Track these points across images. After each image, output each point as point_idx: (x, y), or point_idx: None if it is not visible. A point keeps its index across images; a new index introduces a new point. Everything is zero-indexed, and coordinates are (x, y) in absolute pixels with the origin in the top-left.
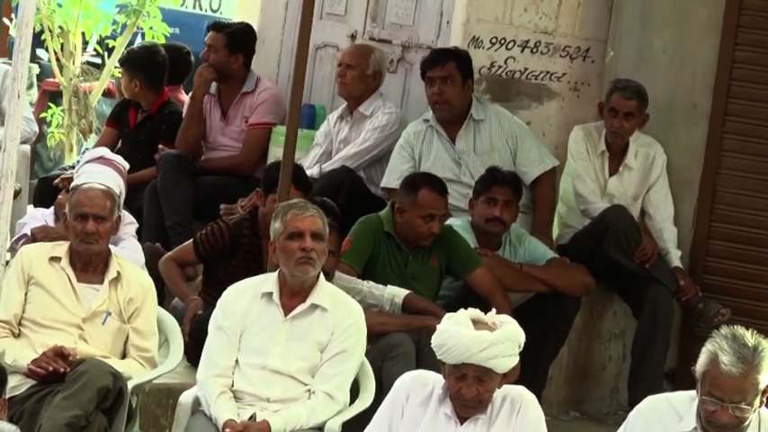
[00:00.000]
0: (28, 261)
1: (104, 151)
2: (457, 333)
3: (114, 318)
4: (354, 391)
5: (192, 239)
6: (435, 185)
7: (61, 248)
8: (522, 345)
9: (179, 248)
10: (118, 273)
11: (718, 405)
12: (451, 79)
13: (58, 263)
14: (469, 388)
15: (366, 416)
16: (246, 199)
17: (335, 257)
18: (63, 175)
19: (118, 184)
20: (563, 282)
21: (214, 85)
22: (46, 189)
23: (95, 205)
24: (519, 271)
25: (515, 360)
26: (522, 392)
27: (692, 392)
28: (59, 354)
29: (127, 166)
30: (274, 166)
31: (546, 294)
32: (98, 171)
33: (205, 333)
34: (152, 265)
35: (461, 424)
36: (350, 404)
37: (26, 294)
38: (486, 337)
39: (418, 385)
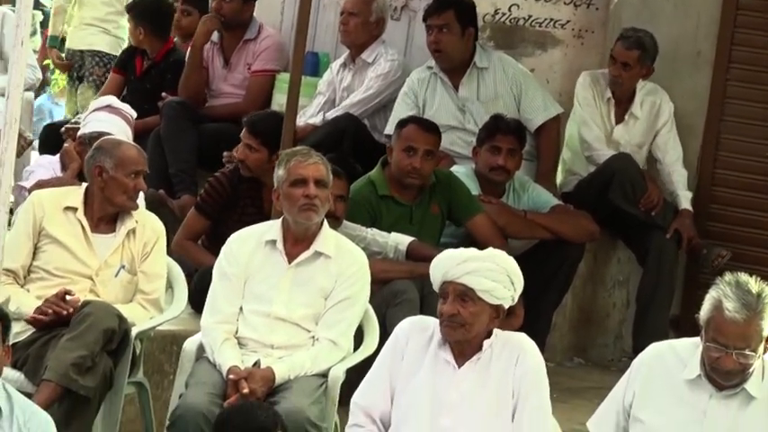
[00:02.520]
0: (40, 210)
1: (112, 100)
2: (439, 256)
3: (127, 270)
4: (358, 339)
5: (191, 210)
6: (421, 122)
7: (75, 197)
8: (516, 278)
9: (184, 224)
10: (136, 222)
11: (723, 351)
12: (448, 28)
13: (74, 213)
14: (450, 305)
15: (370, 363)
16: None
17: (345, 202)
18: (69, 124)
19: (125, 133)
20: (567, 229)
21: (215, 32)
22: (52, 136)
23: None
24: (523, 218)
25: (506, 292)
26: (522, 339)
27: (697, 339)
28: (63, 298)
29: (134, 114)
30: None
31: (550, 241)
32: (105, 120)
33: (209, 281)
34: (153, 211)
35: (459, 368)
36: (354, 351)
37: (36, 244)
38: (463, 252)
39: (418, 330)
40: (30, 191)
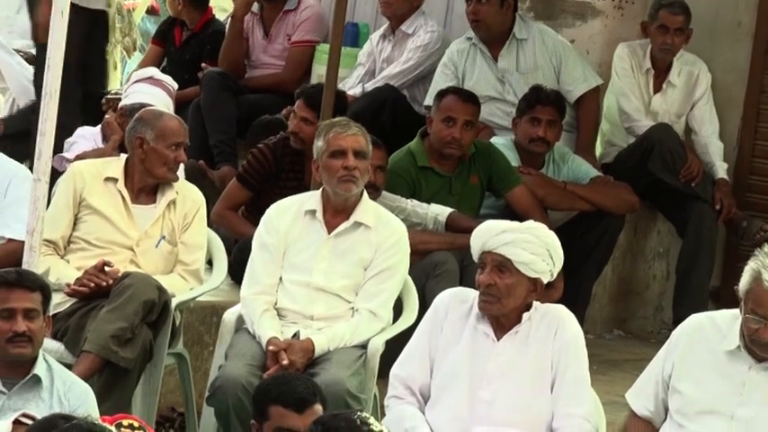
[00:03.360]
0: (80, 181)
1: (153, 71)
2: (480, 226)
3: (167, 241)
4: (397, 310)
5: (232, 180)
6: (461, 92)
7: (116, 167)
8: (555, 252)
9: (225, 194)
10: (176, 193)
11: (762, 323)
12: None
13: (114, 183)
14: (487, 275)
15: (409, 334)
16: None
17: (384, 173)
18: (109, 95)
19: (167, 105)
20: (607, 200)
21: (255, 3)
22: (91, 105)
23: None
24: (562, 189)
25: (544, 266)
26: (560, 311)
27: (736, 311)
28: (102, 269)
29: (175, 86)
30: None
31: (589, 213)
32: (147, 91)
33: (249, 252)
34: (194, 182)
35: (498, 340)
36: (393, 322)
37: (77, 215)
38: (501, 223)
39: (457, 302)
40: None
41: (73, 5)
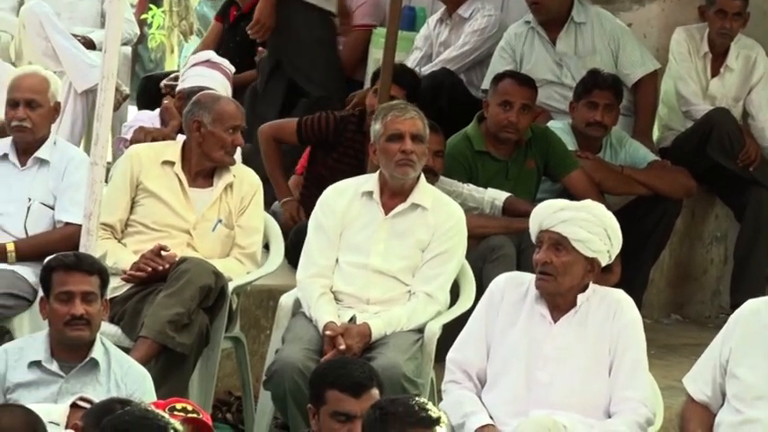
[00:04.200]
0: (138, 164)
1: (211, 54)
2: (538, 206)
3: (224, 224)
4: (454, 294)
5: (297, 119)
6: (518, 76)
7: (173, 151)
8: (613, 233)
9: (281, 122)
10: (233, 176)
11: None
12: None
13: (171, 167)
14: (543, 253)
15: (466, 318)
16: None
17: (442, 158)
18: (167, 80)
19: (225, 88)
20: (664, 184)
21: None
22: (150, 88)
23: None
24: (620, 174)
25: (601, 245)
26: (619, 295)
27: None
28: (158, 253)
29: (232, 69)
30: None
31: (647, 197)
32: (205, 74)
33: (305, 236)
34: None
35: (555, 323)
36: (450, 306)
37: (134, 198)
38: (559, 201)
39: (513, 285)
40: (131, 140)
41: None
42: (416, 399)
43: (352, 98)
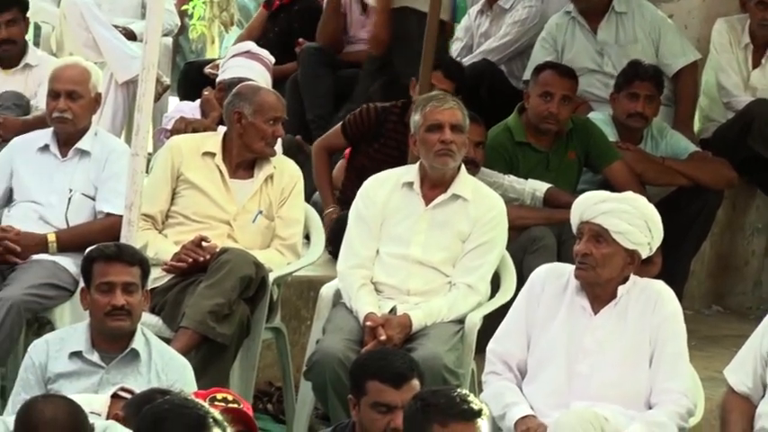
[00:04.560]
0: (178, 155)
1: (251, 45)
2: (579, 197)
3: (265, 216)
4: (495, 285)
5: (339, 125)
6: (558, 67)
7: (214, 142)
8: (654, 225)
9: (329, 133)
10: (274, 168)
11: None
12: None
13: (212, 158)
14: (583, 244)
15: (506, 310)
16: None
17: (483, 149)
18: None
19: (265, 78)
20: (705, 176)
21: None
22: (191, 75)
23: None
24: (661, 165)
25: (642, 237)
26: (659, 287)
27: None
28: (199, 244)
29: (272, 59)
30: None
31: (688, 189)
32: (245, 65)
33: (345, 226)
34: (291, 156)
35: (596, 314)
36: (491, 297)
37: (175, 189)
38: (600, 193)
39: (553, 277)
40: (172, 131)
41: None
42: (458, 390)
43: None
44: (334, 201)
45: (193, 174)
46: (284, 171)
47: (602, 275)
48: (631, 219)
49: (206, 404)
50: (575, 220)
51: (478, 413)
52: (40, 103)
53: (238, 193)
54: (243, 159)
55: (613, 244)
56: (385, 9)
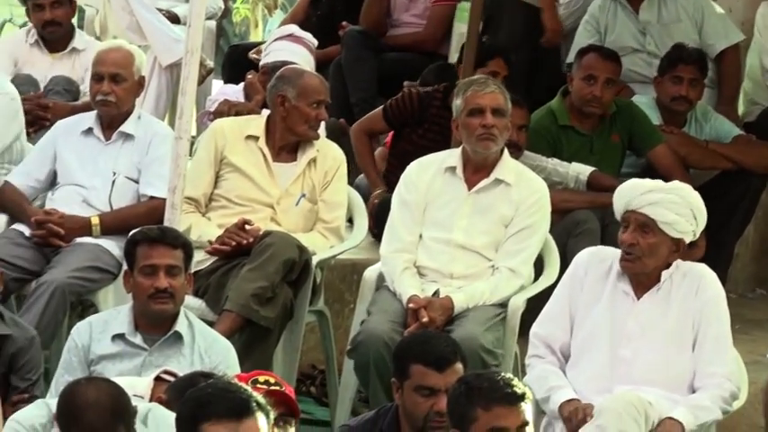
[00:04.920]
0: (222, 138)
1: (294, 28)
2: (624, 184)
3: (308, 199)
4: (538, 268)
5: (380, 108)
6: (602, 50)
7: (257, 126)
8: (699, 213)
9: (369, 116)
10: (317, 151)
11: None
12: None
13: (255, 141)
14: (629, 234)
15: (549, 293)
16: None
17: (526, 132)
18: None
19: (308, 62)
20: (749, 159)
21: None
22: (236, 59)
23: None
24: (704, 148)
25: (687, 226)
26: (702, 270)
27: None
28: (242, 227)
29: (315, 42)
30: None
31: (732, 172)
32: (288, 49)
33: (388, 211)
34: (334, 140)
35: (639, 299)
36: (534, 281)
37: (218, 173)
38: (647, 182)
39: (597, 261)
40: (215, 113)
41: None
42: (502, 374)
43: None
44: (381, 182)
45: (237, 157)
46: (327, 154)
47: (648, 265)
48: (678, 209)
49: (249, 388)
50: (619, 208)
51: (522, 397)
52: (88, 88)
53: (281, 177)
54: (286, 143)
55: (660, 234)
56: (551, 5)
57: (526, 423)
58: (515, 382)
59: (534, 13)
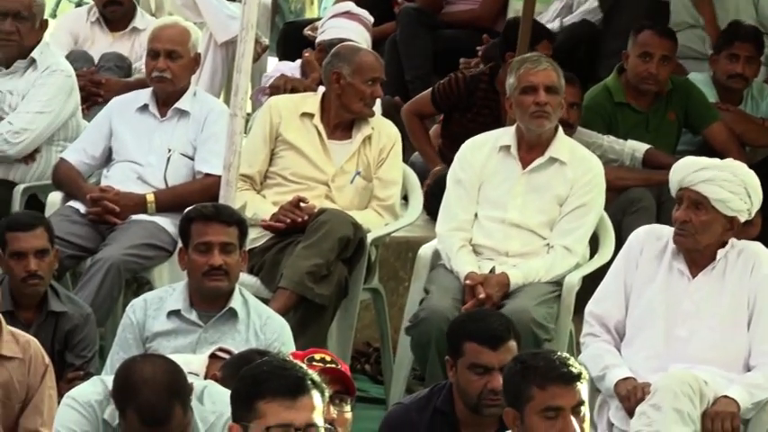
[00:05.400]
0: (277, 115)
1: (350, 5)
2: (679, 161)
3: (362, 176)
4: (593, 246)
5: (430, 89)
6: (657, 27)
7: (313, 103)
8: (754, 191)
9: (417, 98)
10: (372, 129)
11: None
12: None
13: (310, 119)
14: (683, 212)
15: (605, 272)
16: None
17: (578, 109)
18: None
19: (365, 39)
20: None
21: None
22: (291, 35)
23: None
24: (761, 126)
25: (741, 205)
26: (757, 248)
27: None
28: (297, 205)
29: (371, 20)
30: (511, 25)
31: None
32: (345, 26)
33: (444, 187)
34: (389, 118)
35: (694, 278)
36: (589, 259)
37: (273, 150)
38: (700, 160)
39: (652, 239)
40: (271, 87)
41: None
42: (558, 353)
43: None
44: (438, 159)
45: (292, 134)
46: (382, 132)
47: (701, 242)
48: (731, 186)
49: (304, 365)
50: (674, 185)
51: (578, 376)
52: (144, 66)
53: (336, 154)
54: (341, 120)
55: (713, 211)
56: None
57: (582, 402)
58: (571, 361)
59: None
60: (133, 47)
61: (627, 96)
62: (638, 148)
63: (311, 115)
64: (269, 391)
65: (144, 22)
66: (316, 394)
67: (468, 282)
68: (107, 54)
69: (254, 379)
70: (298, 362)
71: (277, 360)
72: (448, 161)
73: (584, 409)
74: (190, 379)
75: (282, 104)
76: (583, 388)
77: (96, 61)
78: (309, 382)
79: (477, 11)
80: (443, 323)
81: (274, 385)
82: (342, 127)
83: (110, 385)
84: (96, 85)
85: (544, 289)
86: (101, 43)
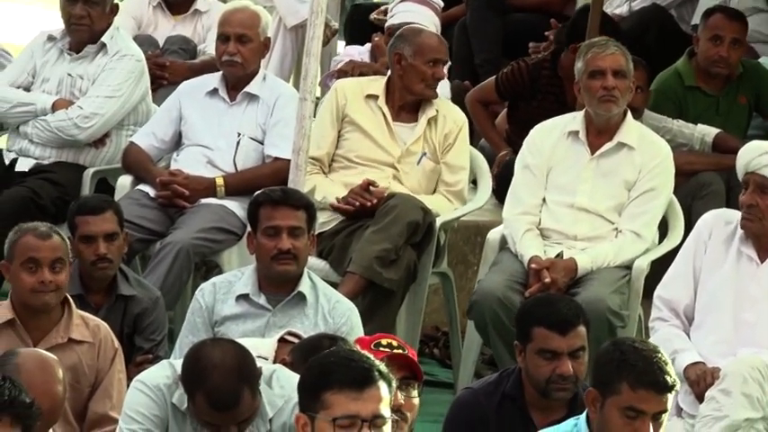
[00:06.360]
0: (343, 97)
1: None
2: (746, 146)
3: (429, 158)
4: (663, 231)
5: (494, 77)
6: (728, 10)
7: (378, 85)
8: None
9: (481, 86)
10: (436, 111)
11: None
12: None
13: (375, 101)
14: (748, 195)
15: (674, 256)
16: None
17: (645, 93)
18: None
19: (434, 23)
20: None
21: None
22: (357, 18)
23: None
24: None
25: None
26: None
27: None
28: (367, 188)
29: (441, 4)
30: (582, 11)
31: None
32: (414, 10)
33: (512, 172)
34: (459, 102)
35: (762, 263)
36: (658, 243)
37: (340, 132)
38: (766, 143)
39: (721, 223)
40: (339, 71)
41: None
42: (659, 356)
43: None
44: (504, 144)
45: (358, 116)
46: (447, 116)
47: (765, 224)
48: None
49: (372, 357)
50: (740, 170)
51: (671, 388)
52: (208, 49)
53: (402, 136)
54: (405, 102)
55: None
56: None
57: (665, 411)
58: (669, 368)
59: None
60: (195, 29)
61: (697, 80)
62: (708, 132)
63: (376, 97)
64: (336, 383)
65: (206, 4)
66: (383, 385)
67: (533, 266)
68: (172, 37)
69: (321, 369)
70: (365, 353)
71: (344, 351)
72: (516, 147)
73: (665, 417)
74: (258, 363)
75: (348, 86)
76: (671, 398)
77: (161, 45)
78: (376, 373)
79: None
80: (495, 304)
81: (341, 376)
82: (407, 109)
83: (178, 369)
84: (161, 68)
85: (616, 275)
86: (163, 27)
